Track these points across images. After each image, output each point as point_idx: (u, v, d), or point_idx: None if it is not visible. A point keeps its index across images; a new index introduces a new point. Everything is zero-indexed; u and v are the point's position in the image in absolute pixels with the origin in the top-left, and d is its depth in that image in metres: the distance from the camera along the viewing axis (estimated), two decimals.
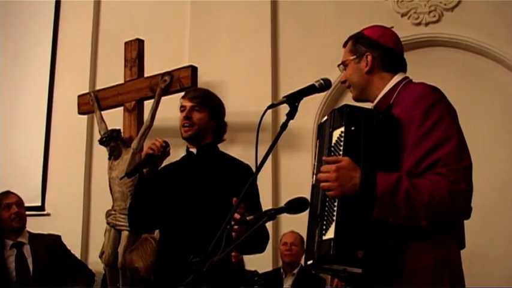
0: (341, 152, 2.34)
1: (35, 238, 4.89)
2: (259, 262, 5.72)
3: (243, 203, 2.50)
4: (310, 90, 2.55)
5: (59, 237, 4.99)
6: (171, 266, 3.34)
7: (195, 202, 3.35)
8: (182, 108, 3.51)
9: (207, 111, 3.51)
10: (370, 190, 2.25)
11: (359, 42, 2.68)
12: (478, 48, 6.13)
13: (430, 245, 2.30)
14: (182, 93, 3.70)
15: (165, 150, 3.39)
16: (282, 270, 5.97)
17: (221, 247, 2.26)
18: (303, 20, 6.89)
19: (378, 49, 2.64)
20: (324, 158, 2.38)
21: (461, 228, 2.45)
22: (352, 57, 2.67)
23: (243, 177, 3.27)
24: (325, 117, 2.53)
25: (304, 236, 5.73)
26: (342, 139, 2.35)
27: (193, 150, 3.52)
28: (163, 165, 3.54)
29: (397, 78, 2.62)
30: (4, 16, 8.54)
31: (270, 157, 2.48)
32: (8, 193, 4.99)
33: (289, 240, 5.92)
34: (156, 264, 3.70)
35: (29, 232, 4.95)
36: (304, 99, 2.53)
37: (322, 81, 2.58)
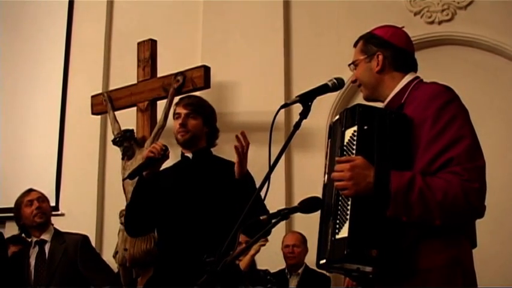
0: (354, 151, 2.34)
1: (58, 236, 4.84)
2: (270, 262, 5.74)
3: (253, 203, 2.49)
4: (323, 89, 2.56)
5: (84, 237, 4.89)
6: (171, 267, 3.43)
7: (194, 205, 3.44)
8: (177, 115, 3.65)
9: (200, 118, 3.64)
10: (384, 189, 2.25)
11: (370, 42, 2.68)
12: (492, 46, 6.10)
13: (442, 244, 2.30)
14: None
15: (165, 154, 3.47)
16: (286, 271, 5.96)
17: (234, 247, 2.27)
18: (316, 19, 6.89)
19: (389, 49, 2.63)
20: (336, 158, 2.37)
21: (473, 228, 2.45)
22: (362, 57, 2.67)
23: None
24: (337, 117, 2.53)
25: (306, 234, 5.78)
26: (355, 138, 2.35)
27: (189, 154, 3.65)
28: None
29: (408, 77, 2.61)
30: (18, 16, 8.59)
31: (283, 156, 2.48)
32: (29, 191, 4.95)
33: (291, 242, 5.92)
34: (156, 266, 3.78)
35: (55, 229, 4.91)
36: (317, 98, 2.54)
37: (335, 80, 2.58)
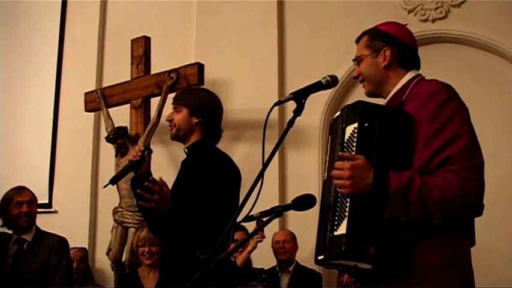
0: (354, 148, 2.34)
1: (38, 237, 4.81)
2: (262, 260, 5.75)
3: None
4: (316, 87, 2.56)
5: (61, 239, 4.86)
6: (171, 263, 3.40)
7: (179, 201, 3.29)
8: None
9: (186, 109, 3.50)
10: (383, 190, 2.25)
11: (376, 37, 2.69)
12: (485, 44, 6.11)
13: (440, 242, 2.31)
14: None
15: (143, 155, 3.34)
16: (277, 269, 5.95)
17: (228, 245, 2.26)
18: (310, 17, 6.88)
19: (396, 45, 2.65)
20: (340, 153, 2.37)
21: (471, 226, 2.45)
22: (368, 52, 2.68)
23: (209, 174, 3.31)
24: (338, 113, 2.54)
25: (299, 232, 5.79)
26: (355, 135, 2.35)
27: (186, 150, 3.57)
28: None
29: (410, 75, 2.63)
30: (12, 14, 8.56)
31: (276, 154, 2.48)
32: (22, 189, 4.90)
33: (281, 238, 5.92)
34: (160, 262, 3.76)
35: (37, 229, 4.88)
36: (311, 96, 2.53)
37: (329, 78, 2.58)
